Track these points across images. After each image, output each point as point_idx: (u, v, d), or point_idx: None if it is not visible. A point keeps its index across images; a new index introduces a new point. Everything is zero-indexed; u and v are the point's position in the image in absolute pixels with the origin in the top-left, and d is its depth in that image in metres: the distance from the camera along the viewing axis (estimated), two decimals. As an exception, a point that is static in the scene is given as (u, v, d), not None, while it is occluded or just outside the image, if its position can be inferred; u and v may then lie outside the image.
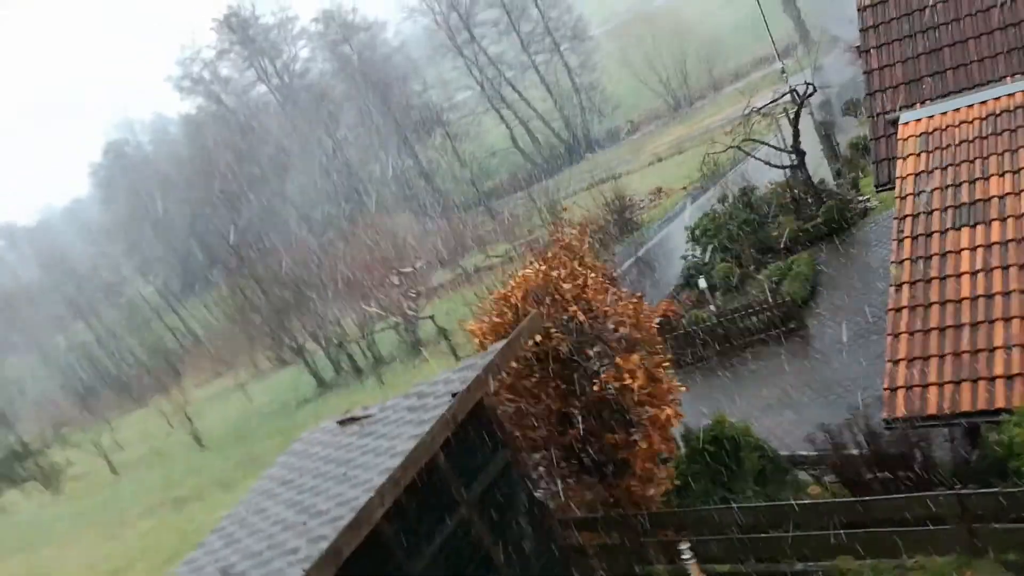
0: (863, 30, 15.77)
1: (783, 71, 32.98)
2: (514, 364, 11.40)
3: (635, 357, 11.35)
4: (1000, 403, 9.71)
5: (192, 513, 32.24)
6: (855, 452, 10.64)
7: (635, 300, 12.40)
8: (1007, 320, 10.48)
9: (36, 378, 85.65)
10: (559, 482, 11.77)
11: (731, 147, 27.42)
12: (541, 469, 11.83)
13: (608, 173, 56.89)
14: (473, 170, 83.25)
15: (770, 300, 19.72)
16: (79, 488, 50.93)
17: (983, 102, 12.89)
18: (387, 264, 39.65)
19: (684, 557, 10.53)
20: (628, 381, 11.13)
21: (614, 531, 11.44)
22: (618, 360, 11.32)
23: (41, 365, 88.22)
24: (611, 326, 11.86)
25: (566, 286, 11.64)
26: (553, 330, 11.27)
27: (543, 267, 12.05)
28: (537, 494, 11.29)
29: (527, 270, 12.22)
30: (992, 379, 10.13)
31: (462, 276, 48.59)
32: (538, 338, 11.10)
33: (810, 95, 26.56)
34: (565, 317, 11.50)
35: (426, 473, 9.21)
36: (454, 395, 9.65)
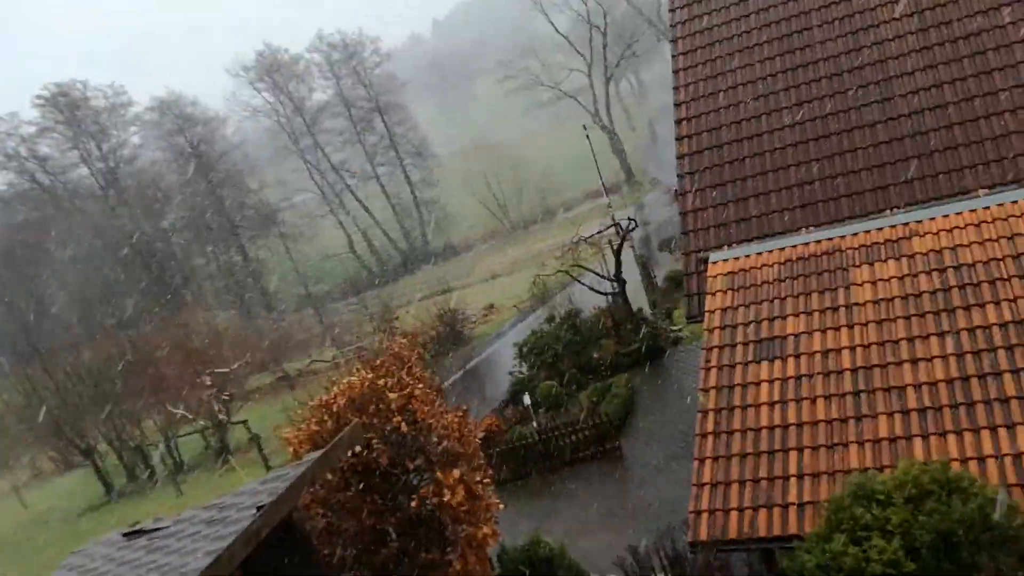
0: (680, 175, 17.24)
1: (609, 205, 35.40)
2: (329, 476, 10.89)
3: (456, 472, 11.18)
4: (793, 529, 10.32)
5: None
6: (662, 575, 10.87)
7: (460, 413, 12.33)
8: (800, 450, 11.30)
9: None
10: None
11: (559, 271, 28.72)
12: (350, 590, 11.16)
13: (442, 286, 57.62)
14: (305, 273, 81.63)
15: (589, 420, 20.28)
16: None
17: (782, 248, 14.33)
18: (201, 363, 37.34)
19: None
20: (447, 497, 10.90)
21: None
22: (439, 474, 11.09)
23: None
24: (435, 439, 11.67)
25: (392, 395, 11.41)
26: (375, 441, 10.92)
27: (370, 375, 11.79)
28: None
29: (352, 377, 11.90)
30: (786, 506, 10.79)
31: (283, 380, 46.61)
32: (358, 449, 10.71)
33: (632, 230, 28.54)
34: (388, 427, 11.21)
35: (220, 595, 8.40)
36: (259, 508, 8.99)
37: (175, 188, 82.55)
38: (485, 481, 11.77)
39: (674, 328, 27.02)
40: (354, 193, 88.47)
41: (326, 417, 11.47)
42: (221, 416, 35.14)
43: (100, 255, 74.27)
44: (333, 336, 48.75)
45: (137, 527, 10.76)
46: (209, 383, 33.26)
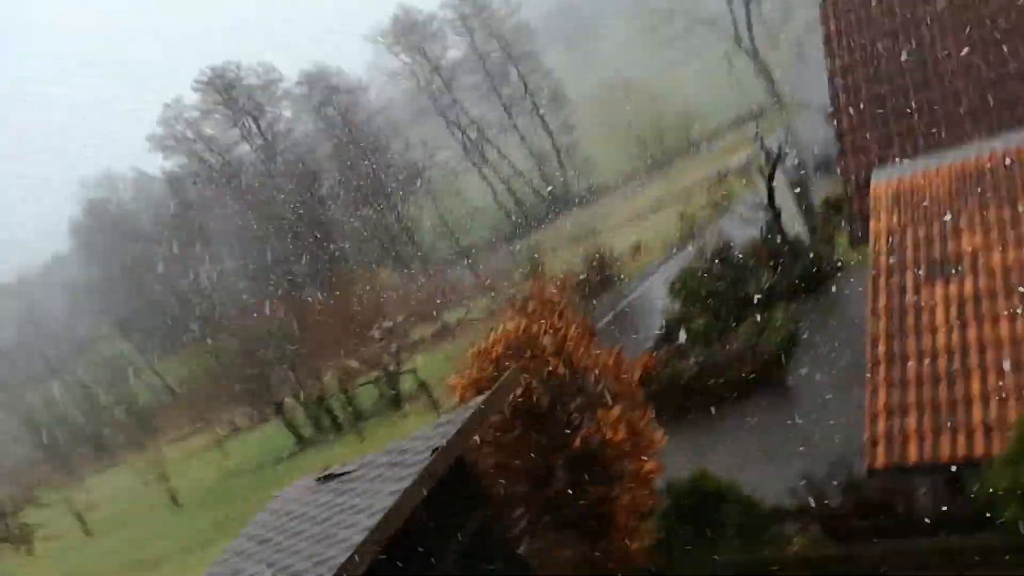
0: (834, 94, 16.27)
1: (757, 132, 33.82)
2: (494, 418, 11.35)
3: (616, 410, 11.34)
4: (979, 452, 9.78)
5: (167, 575, 31.35)
6: (837, 503, 10.62)
7: (615, 353, 12.45)
8: (983, 371, 10.62)
9: (10, 438, 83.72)
10: (540, 538, 11.61)
11: (707, 206, 27.88)
12: (522, 525, 11.67)
13: (588, 230, 57.50)
14: (453, 226, 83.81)
15: (748, 354, 19.84)
16: (52, 549, 49.42)
17: (952, 162, 13.28)
18: (368, 319, 39.53)
19: (667, 614, 10.40)
20: (609, 434, 11.10)
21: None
22: (599, 413, 11.30)
23: (16, 425, 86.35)
24: (591, 379, 11.87)
25: (546, 340, 11.67)
26: (533, 384, 11.26)
27: (523, 321, 12.10)
28: (518, 551, 11.13)
29: (508, 324, 12.26)
30: (970, 430, 10.22)
31: (443, 331, 48.47)
32: (519, 392, 11.08)
33: (784, 155, 27.21)
34: (546, 370, 11.51)
35: (405, 531, 9.07)
36: (434, 451, 9.56)
37: (328, 157, 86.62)
38: (646, 418, 11.88)
39: (836, 255, 25.75)
40: (494, 144, 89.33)
41: (486, 363, 11.92)
42: (391, 367, 37.16)
43: (265, 226, 79.53)
44: (485, 285, 50.03)
45: (327, 472, 11.72)
46: (378, 337, 35.19)
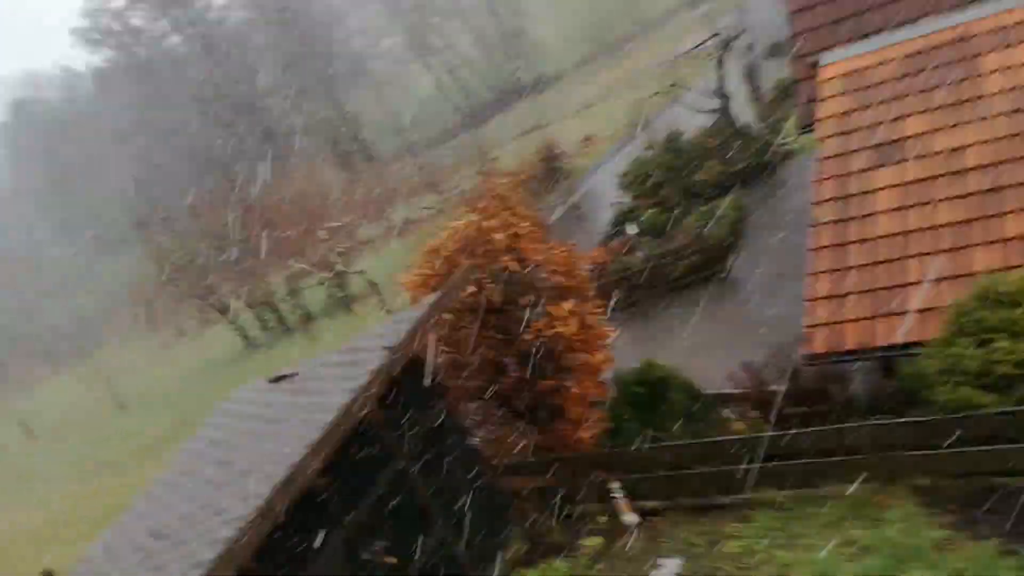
0: (785, -30, 15.86)
1: (708, 14, 33.12)
2: (447, 315, 11.38)
3: (567, 304, 11.45)
4: (914, 336, 10.14)
5: (118, 477, 31.56)
6: (776, 388, 11.02)
7: (567, 248, 12.45)
8: (921, 256, 10.89)
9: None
10: (494, 430, 11.89)
11: (657, 93, 27.53)
12: (476, 418, 11.92)
13: (537, 121, 56.63)
14: (398, 120, 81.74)
15: (697, 244, 20.07)
16: (-1, 456, 49.37)
17: (902, 42, 13.15)
18: (314, 218, 38.82)
19: (614, 496, 10.83)
20: (560, 328, 11.24)
21: (547, 474, 11.66)
22: (550, 308, 11.40)
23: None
24: (543, 275, 11.91)
25: (498, 236, 11.60)
26: (486, 280, 11.25)
27: (475, 218, 11.97)
28: (473, 443, 11.40)
29: (458, 221, 12.12)
30: (905, 314, 10.56)
31: (391, 229, 48.03)
32: (471, 289, 11.08)
33: (734, 38, 26.78)
34: (498, 267, 11.48)
35: (360, 427, 9.17)
36: (388, 349, 9.57)
37: (264, 48, 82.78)
38: (596, 311, 12.02)
39: (785, 141, 25.80)
40: (438, 32, 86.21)
41: (437, 261, 11.83)
42: (339, 267, 36.84)
43: (202, 122, 76.51)
44: (433, 182, 49.33)
45: (279, 373, 11.70)
46: (325, 236, 34.66)
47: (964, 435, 8.62)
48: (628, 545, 10.44)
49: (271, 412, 11.09)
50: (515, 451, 11.50)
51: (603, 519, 11.06)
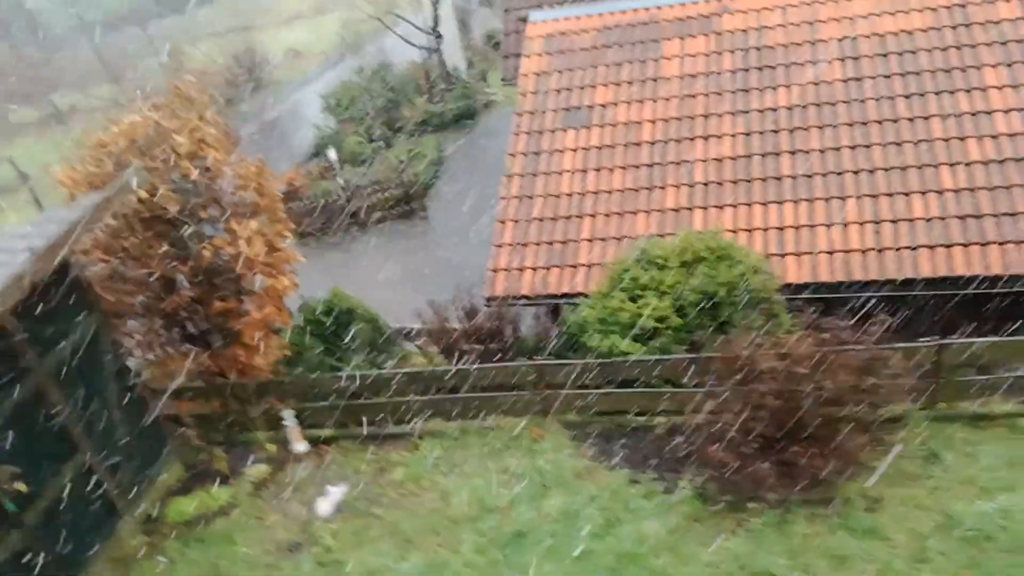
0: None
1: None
2: (112, 221, 10.13)
3: (253, 223, 10.78)
4: (580, 288, 11.15)
5: None
6: (456, 326, 11.49)
7: (259, 164, 11.67)
8: (594, 216, 11.94)
9: None
10: (159, 351, 10.95)
11: (373, 17, 26.84)
12: (138, 337, 10.86)
13: (241, 22, 52.35)
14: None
15: (397, 179, 20.11)
16: None
17: (601, 13, 14.11)
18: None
19: (285, 423, 10.61)
20: (244, 248, 10.57)
21: (215, 399, 11.07)
22: (234, 225, 10.66)
23: None
24: (230, 189, 11.08)
25: (180, 139, 10.49)
26: (161, 187, 10.15)
27: (154, 116, 10.68)
28: (130, 363, 10.40)
29: (135, 117, 10.75)
30: (576, 267, 11.56)
31: (53, 116, 41.73)
32: (143, 194, 9.94)
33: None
34: (177, 174, 10.42)
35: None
36: (32, 251, 8.26)
37: None
38: (285, 234, 11.49)
39: (489, 90, 26.64)
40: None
41: (105, 158, 10.42)
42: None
43: None
44: (112, 70, 43.59)
45: None
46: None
47: (611, 378, 9.69)
48: (296, 473, 10.31)
49: None
50: (182, 375, 10.69)
51: (272, 448, 10.79)
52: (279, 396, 10.89)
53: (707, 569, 7.75)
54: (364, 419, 10.65)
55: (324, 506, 9.62)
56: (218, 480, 10.25)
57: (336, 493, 9.76)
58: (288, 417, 10.62)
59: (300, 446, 10.68)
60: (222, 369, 10.97)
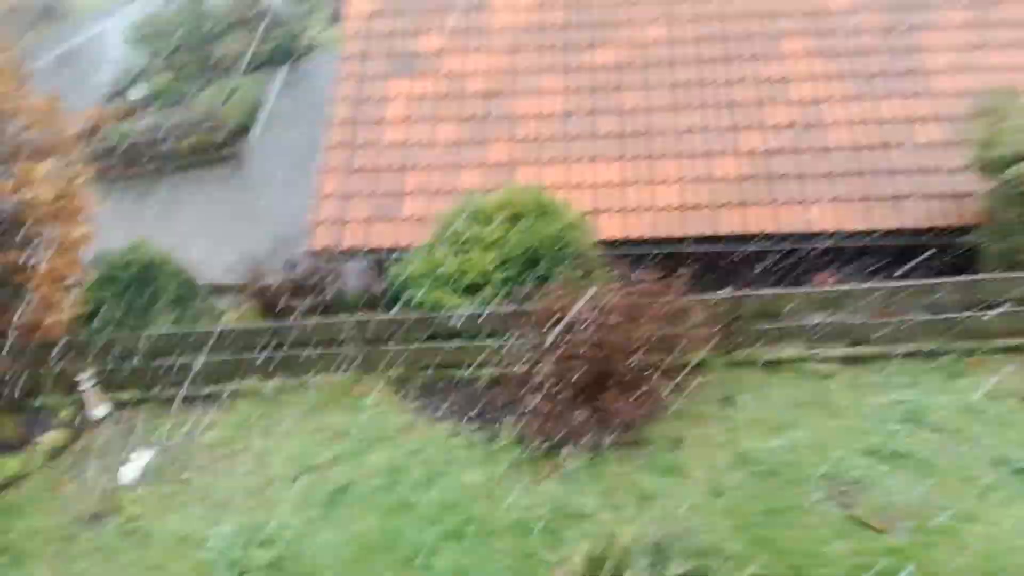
0: None
1: None
2: None
3: (43, 166, 9.77)
4: (405, 242, 11.00)
5: None
6: (274, 281, 11.05)
7: (50, 100, 10.54)
8: (420, 168, 11.78)
9: None
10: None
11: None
12: None
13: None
14: None
15: (211, 121, 18.89)
16: None
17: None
18: None
19: (83, 387, 9.84)
20: (31, 194, 9.58)
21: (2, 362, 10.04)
22: (21, 167, 9.63)
23: None
24: (16, 127, 9.97)
25: (-49, 69, 9.28)
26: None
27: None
28: None
29: None
30: (401, 220, 11.40)
31: None
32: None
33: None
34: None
35: None
36: None
37: None
38: (80, 179, 10.49)
39: (316, 29, 25.41)
40: None
41: None
42: None
43: None
44: None
45: None
46: None
47: (435, 332, 9.68)
48: (96, 440, 9.61)
49: None
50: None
51: (69, 412, 9.97)
52: (76, 357, 10.05)
53: (525, 512, 8.01)
54: (172, 380, 10.05)
55: (128, 473, 9.05)
56: (9, 450, 9.38)
57: (141, 459, 9.20)
58: (85, 380, 9.84)
59: (100, 410, 9.95)
60: (4, 328, 9.95)
